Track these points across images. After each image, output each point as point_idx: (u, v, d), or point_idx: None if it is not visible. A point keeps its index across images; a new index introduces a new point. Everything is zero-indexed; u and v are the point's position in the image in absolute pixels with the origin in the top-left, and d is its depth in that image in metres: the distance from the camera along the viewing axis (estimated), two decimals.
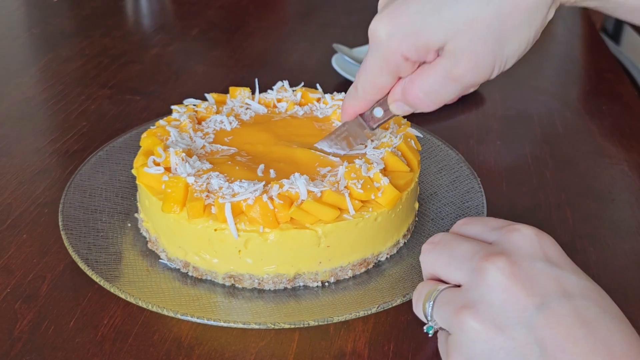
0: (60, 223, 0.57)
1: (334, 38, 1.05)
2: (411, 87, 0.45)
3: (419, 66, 0.45)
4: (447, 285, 0.41)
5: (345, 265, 0.54)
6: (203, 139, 0.61)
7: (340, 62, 0.94)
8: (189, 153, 0.58)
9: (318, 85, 0.71)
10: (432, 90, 0.44)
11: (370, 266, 0.56)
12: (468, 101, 0.89)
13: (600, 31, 1.31)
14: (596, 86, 1.00)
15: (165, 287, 0.52)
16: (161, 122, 0.63)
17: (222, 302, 0.51)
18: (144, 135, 0.61)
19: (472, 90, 0.48)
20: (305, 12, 1.29)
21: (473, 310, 0.37)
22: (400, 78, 0.46)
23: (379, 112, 0.52)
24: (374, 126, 0.54)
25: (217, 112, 0.66)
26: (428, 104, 0.46)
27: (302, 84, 0.71)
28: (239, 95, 0.69)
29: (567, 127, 0.84)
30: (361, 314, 0.49)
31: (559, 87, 0.98)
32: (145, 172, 0.55)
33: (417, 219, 0.62)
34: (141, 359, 0.47)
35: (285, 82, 0.71)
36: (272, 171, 0.56)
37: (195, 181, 0.53)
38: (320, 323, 0.48)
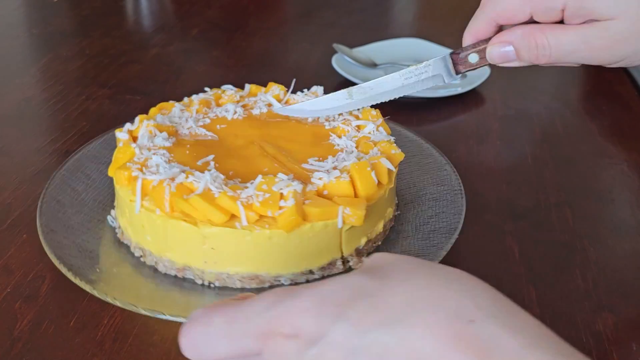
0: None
1: (334, 38, 1.05)
2: (540, 34, 0.45)
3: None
4: None
5: (232, 274, 0.53)
6: (198, 121, 0.63)
7: (340, 62, 0.94)
8: (171, 130, 0.60)
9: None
10: (559, 48, 0.44)
11: (266, 285, 0.53)
12: (468, 101, 0.89)
13: None
14: (596, 86, 1.00)
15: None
16: (185, 99, 0.67)
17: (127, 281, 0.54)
18: (155, 107, 0.65)
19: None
20: (305, 12, 1.29)
21: None
22: (527, 22, 0.46)
23: (474, 58, 0.51)
24: (463, 71, 0.53)
25: (238, 101, 0.67)
26: (547, 57, 0.46)
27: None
28: (271, 91, 0.69)
29: (567, 127, 0.84)
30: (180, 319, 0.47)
31: (559, 87, 0.98)
32: (119, 139, 0.59)
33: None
34: (141, 359, 0.47)
35: (320, 89, 0.69)
36: (212, 163, 0.56)
37: (141, 153, 0.56)
38: (152, 315, 0.48)
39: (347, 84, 0.88)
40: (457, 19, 1.26)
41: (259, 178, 0.52)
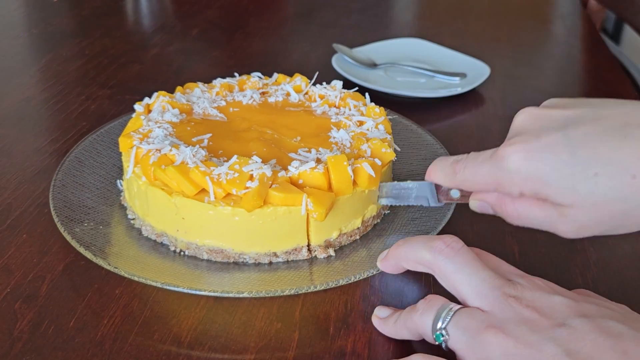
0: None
1: (334, 38, 1.05)
2: (511, 205, 0.45)
3: None
4: (460, 306, 0.43)
5: (200, 245, 0.55)
6: (214, 102, 0.66)
7: (340, 62, 0.95)
8: (185, 108, 0.64)
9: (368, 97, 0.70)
10: (528, 220, 0.44)
11: (230, 260, 0.55)
12: (468, 101, 0.89)
13: (600, 31, 1.31)
14: (596, 86, 1.00)
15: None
16: (214, 81, 0.71)
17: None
18: (182, 87, 0.70)
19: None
20: (305, 12, 1.29)
21: (500, 330, 0.40)
22: None
23: (456, 194, 0.52)
24: (443, 201, 0.53)
25: (260, 88, 0.70)
26: (514, 222, 0.46)
27: (357, 88, 0.72)
28: (294, 81, 0.71)
29: None
30: (150, 283, 0.51)
31: (559, 87, 0.98)
32: (136, 111, 0.64)
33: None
34: (141, 359, 0.47)
35: (339, 83, 0.70)
36: (206, 141, 0.59)
37: (147, 124, 0.60)
38: (131, 277, 0.51)
39: (347, 84, 0.88)
40: (457, 19, 1.27)
41: (234, 158, 0.54)
